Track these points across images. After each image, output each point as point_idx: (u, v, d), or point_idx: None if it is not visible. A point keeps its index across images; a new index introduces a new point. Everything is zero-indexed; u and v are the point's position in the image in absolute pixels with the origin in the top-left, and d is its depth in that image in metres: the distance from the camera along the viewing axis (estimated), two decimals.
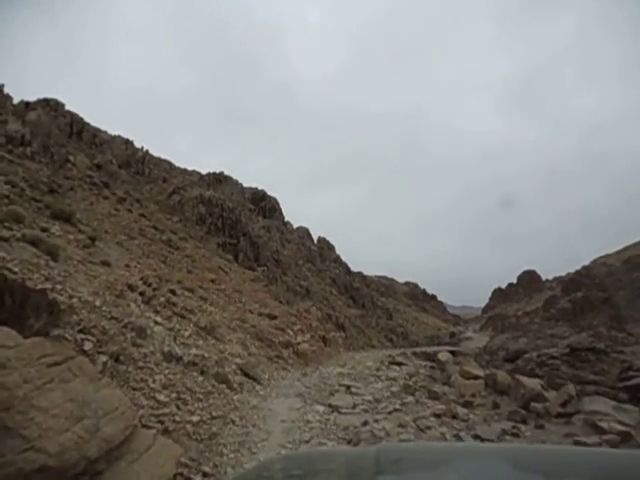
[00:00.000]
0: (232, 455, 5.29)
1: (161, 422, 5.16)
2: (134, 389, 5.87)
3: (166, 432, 5.04)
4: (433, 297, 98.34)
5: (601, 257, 67.83)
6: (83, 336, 5.97)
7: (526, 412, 7.18)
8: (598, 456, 0.80)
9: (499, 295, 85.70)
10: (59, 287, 7.51)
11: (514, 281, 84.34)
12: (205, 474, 4.57)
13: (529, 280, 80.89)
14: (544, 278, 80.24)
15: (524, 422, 6.88)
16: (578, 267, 63.63)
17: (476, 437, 6.19)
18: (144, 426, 4.84)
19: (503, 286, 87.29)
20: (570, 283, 47.22)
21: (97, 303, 7.84)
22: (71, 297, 7.40)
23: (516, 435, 6.22)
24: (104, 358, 5.82)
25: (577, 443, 5.45)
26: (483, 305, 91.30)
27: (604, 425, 5.91)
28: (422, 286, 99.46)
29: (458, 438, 6.18)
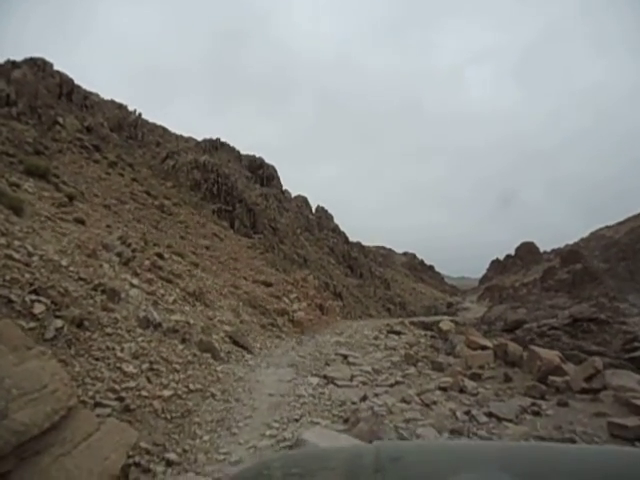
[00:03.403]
0: (207, 437, 4.48)
1: (120, 399, 4.32)
2: (96, 359, 5.03)
3: (126, 411, 4.21)
4: (431, 268, 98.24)
5: (600, 229, 66.96)
6: (35, 297, 5.09)
7: (545, 387, 6.43)
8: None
9: (497, 266, 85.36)
10: (17, 243, 6.58)
11: (512, 252, 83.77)
12: (169, 462, 3.76)
13: (527, 252, 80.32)
14: (542, 250, 79.64)
15: (543, 398, 6.13)
16: (576, 239, 62.89)
17: (491, 415, 5.42)
18: (97, 404, 4.03)
19: (501, 257, 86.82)
20: (569, 254, 46.66)
21: (63, 262, 6.93)
22: (31, 255, 6.48)
23: (537, 414, 5.45)
24: (59, 323, 4.94)
25: (612, 425, 4.67)
26: (481, 276, 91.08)
27: None
28: (420, 257, 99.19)
29: (470, 416, 5.42)
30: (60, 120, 28.82)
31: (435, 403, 6.19)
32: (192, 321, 8.80)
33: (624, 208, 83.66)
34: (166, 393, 5.09)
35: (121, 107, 39.44)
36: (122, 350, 5.56)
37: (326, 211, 53.57)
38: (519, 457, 0.71)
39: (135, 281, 8.33)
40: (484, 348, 9.20)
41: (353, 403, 6.03)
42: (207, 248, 22.19)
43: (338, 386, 7.07)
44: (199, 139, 44.07)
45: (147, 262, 10.68)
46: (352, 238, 54.49)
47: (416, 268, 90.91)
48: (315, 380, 7.35)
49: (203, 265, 16.57)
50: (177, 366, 6.09)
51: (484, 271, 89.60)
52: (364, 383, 7.41)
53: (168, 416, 4.67)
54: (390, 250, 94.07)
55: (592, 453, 0.75)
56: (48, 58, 31.14)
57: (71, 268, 6.92)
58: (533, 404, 5.77)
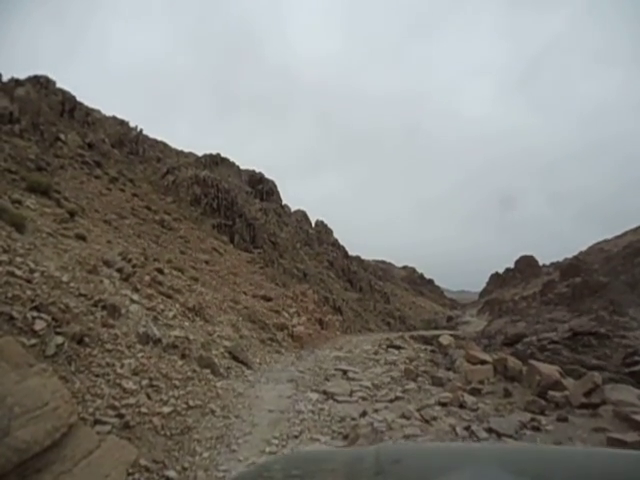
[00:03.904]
0: (206, 454, 4.48)
1: (120, 415, 4.34)
2: (96, 375, 5.04)
3: (126, 427, 4.23)
4: (430, 281, 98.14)
5: (598, 243, 67.03)
6: (36, 314, 5.12)
7: (544, 402, 6.43)
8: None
9: (496, 280, 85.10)
10: (19, 260, 6.63)
11: (512, 266, 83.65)
12: None
13: (526, 265, 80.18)
14: (541, 263, 79.51)
15: (542, 413, 6.12)
16: (575, 253, 62.78)
17: (491, 431, 5.41)
18: (97, 421, 4.04)
19: (500, 271, 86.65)
20: (568, 268, 46.60)
21: (64, 278, 6.97)
22: (32, 271, 6.52)
23: (537, 429, 5.46)
24: (60, 339, 4.97)
25: (611, 440, 4.68)
26: (480, 290, 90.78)
27: None
28: (420, 271, 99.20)
29: (470, 432, 5.42)
30: (62, 137, 29.11)
31: (435, 419, 6.18)
32: (192, 336, 8.81)
33: (633, 222, 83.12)
34: (166, 410, 5.10)
35: (122, 123, 39.85)
36: (122, 366, 5.57)
37: (325, 225, 53.68)
38: (520, 458, 0.73)
39: (135, 297, 8.36)
40: (484, 363, 9.19)
41: (353, 419, 6.02)
42: (207, 263, 22.22)
43: (338, 402, 7.06)
44: (199, 154, 44.44)
45: (147, 277, 10.72)
46: (351, 252, 54.56)
47: (416, 282, 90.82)
48: (315, 396, 7.34)
49: (203, 280, 16.59)
50: (177, 382, 6.10)
51: (484, 285, 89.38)
52: (364, 398, 7.40)
53: (168, 433, 4.67)
54: (389, 264, 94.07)
55: (591, 455, 0.77)
56: (51, 75, 31.62)
57: (72, 284, 6.96)
58: (533, 419, 5.77)
